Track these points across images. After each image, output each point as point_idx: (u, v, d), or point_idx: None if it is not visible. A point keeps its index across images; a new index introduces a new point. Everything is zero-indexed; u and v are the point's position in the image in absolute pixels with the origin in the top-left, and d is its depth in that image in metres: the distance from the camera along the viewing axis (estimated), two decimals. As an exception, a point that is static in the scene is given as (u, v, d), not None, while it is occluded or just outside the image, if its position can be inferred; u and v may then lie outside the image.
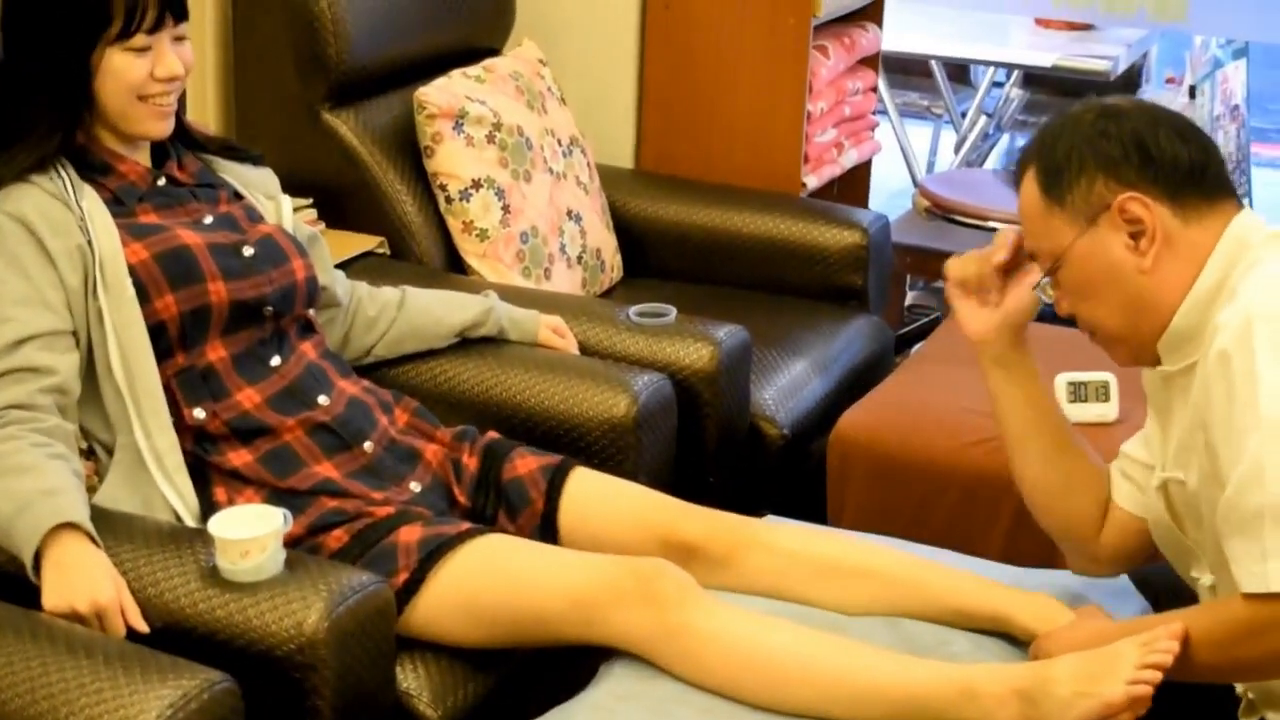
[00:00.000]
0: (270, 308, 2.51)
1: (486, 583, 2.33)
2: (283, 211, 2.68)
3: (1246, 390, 1.89)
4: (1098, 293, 2.10)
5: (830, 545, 2.51)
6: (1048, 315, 4.69)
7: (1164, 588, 2.36)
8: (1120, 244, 2.05)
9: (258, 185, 2.69)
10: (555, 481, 2.57)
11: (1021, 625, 2.33)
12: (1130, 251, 2.05)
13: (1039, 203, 2.11)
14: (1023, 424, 2.36)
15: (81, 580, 2.12)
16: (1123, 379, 3.04)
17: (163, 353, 2.40)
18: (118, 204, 2.45)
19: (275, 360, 2.52)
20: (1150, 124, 2.06)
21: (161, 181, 2.53)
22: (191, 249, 2.44)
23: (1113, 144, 2.05)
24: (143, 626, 2.12)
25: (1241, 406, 1.90)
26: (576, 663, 2.38)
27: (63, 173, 2.42)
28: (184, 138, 2.60)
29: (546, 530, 2.55)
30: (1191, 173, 2.05)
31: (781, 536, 2.50)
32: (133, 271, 2.38)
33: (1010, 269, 2.30)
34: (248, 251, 2.51)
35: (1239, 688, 2.14)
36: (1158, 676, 2.01)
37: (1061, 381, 3.05)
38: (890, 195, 5.51)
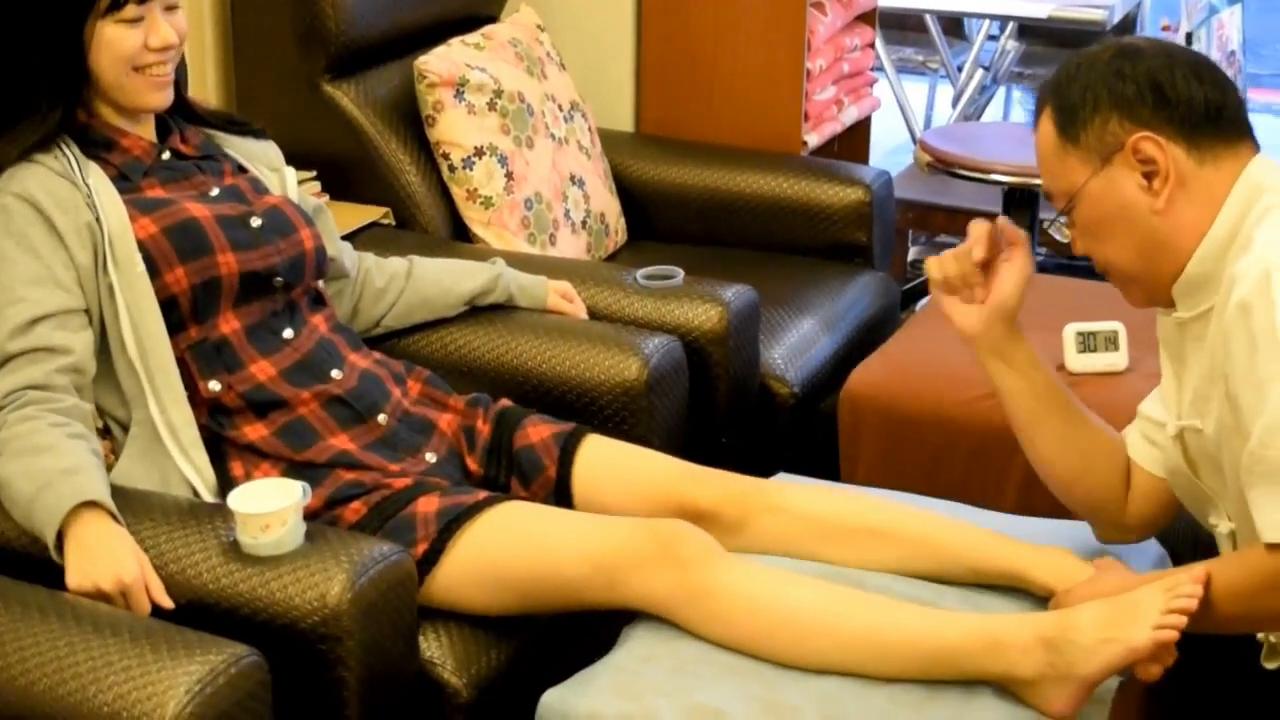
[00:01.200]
0: (280, 278, 2.50)
1: (506, 550, 2.33)
2: (287, 183, 2.67)
3: (1268, 342, 1.88)
4: (1111, 232, 2.10)
5: (844, 505, 2.50)
6: (1050, 266, 4.69)
7: (1183, 538, 2.36)
8: (1133, 184, 2.05)
9: (261, 158, 2.68)
10: (568, 449, 2.57)
11: (1039, 581, 2.32)
12: (1143, 192, 2.05)
13: (1054, 141, 2.10)
14: (1030, 410, 2.33)
15: (105, 558, 2.12)
16: (1131, 328, 3.04)
17: (175, 326, 2.40)
18: (123, 179, 2.45)
19: (288, 333, 2.52)
20: (1167, 64, 2.05)
21: (166, 155, 2.52)
22: (200, 221, 2.44)
23: (1128, 83, 2.04)
24: (167, 603, 2.13)
25: (1265, 358, 1.89)
26: (598, 627, 2.39)
27: (67, 151, 2.41)
28: (185, 111, 2.59)
29: (560, 498, 2.55)
30: (1207, 113, 2.04)
31: (795, 498, 2.50)
32: (142, 246, 2.37)
33: (990, 261, 2.27)
34: (255, 222, 2.50)
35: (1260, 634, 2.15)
36: (1183, 621, 2.01)
37: (1070, 332, 3.05)
38: (887, 152, 5.50)
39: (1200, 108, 2.04)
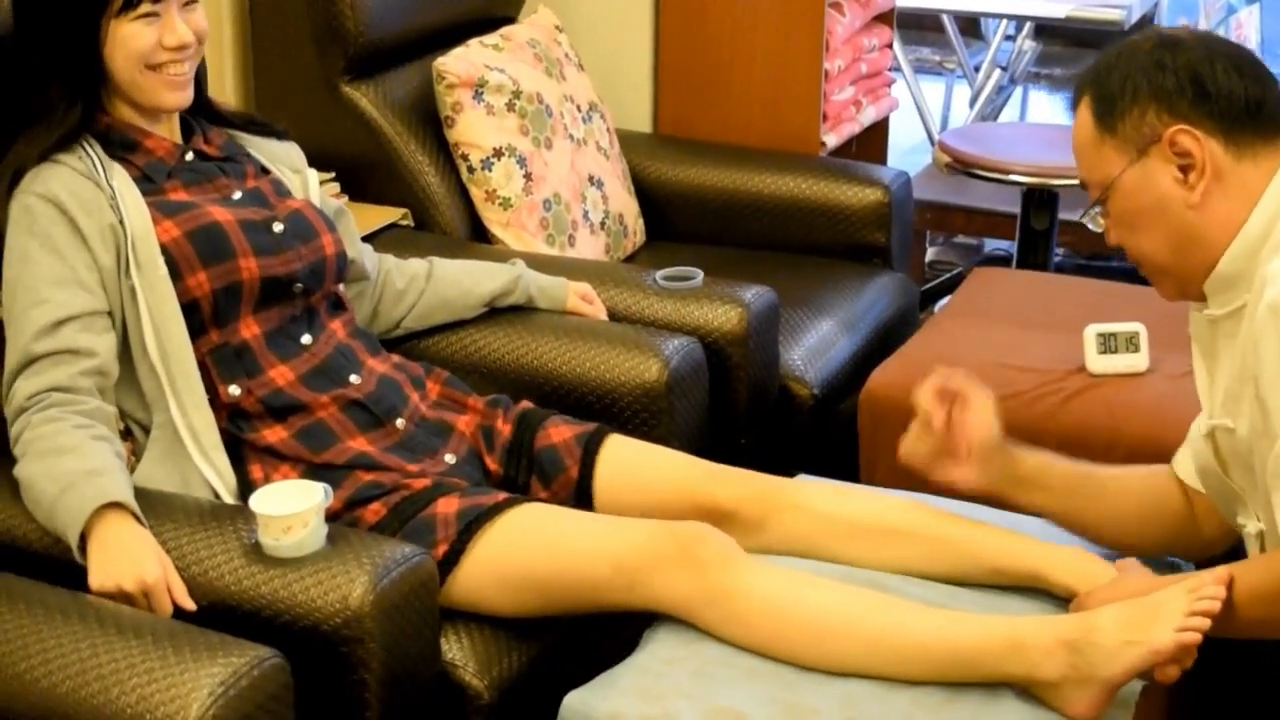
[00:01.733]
0: (300, 284, 2.50)
1: (527, 552, 2.33)
2: (309, 185, 2.67)
3: None
4: (1146, 224, 2.09)
5: (865, 504, 2.50)
6: (1069, 268, 4.68)
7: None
8: (1169, 176, 2.04)
9: (283, 159, 2.68)
10: (590, 449, 2.57)
11: (1059, 581, 2.32)
12: (1179, 185, 2.03)
13: (1092, 131, 2.09)
14: (1065, 510, 2.37)
15: (128, 560, 2.12)
16: (1152, 329, 3.04)
17: (196, 330, 2.40)
18: (147, 181, 2.44)
19: (306, 338, 2.52)
20: (1207, 56, 2.03)
21: (189, 156, 2.52)
22: (223, 226, 2.43)
23: (1168, 75, 2.03)
24: (189, 604, 2.13)
25: None
26: (618, 629, 2.39)
27: (91, 152, 2.41)
28: (208, 112, 2.59)
29: (581, 498, 2.55)
30: (1247, 108, 2.02)
31: (815, 497, 2.50)
32: (164, 249, 2.37)
33: (950, 419, 2.31)
34: (278, 227, 2.50)
35: None
36: (1206, 623, 2.00)
37: (1091, 333, 3.04)
38: (904, 152, 5.49)
39: (1240, 102, 2.02)
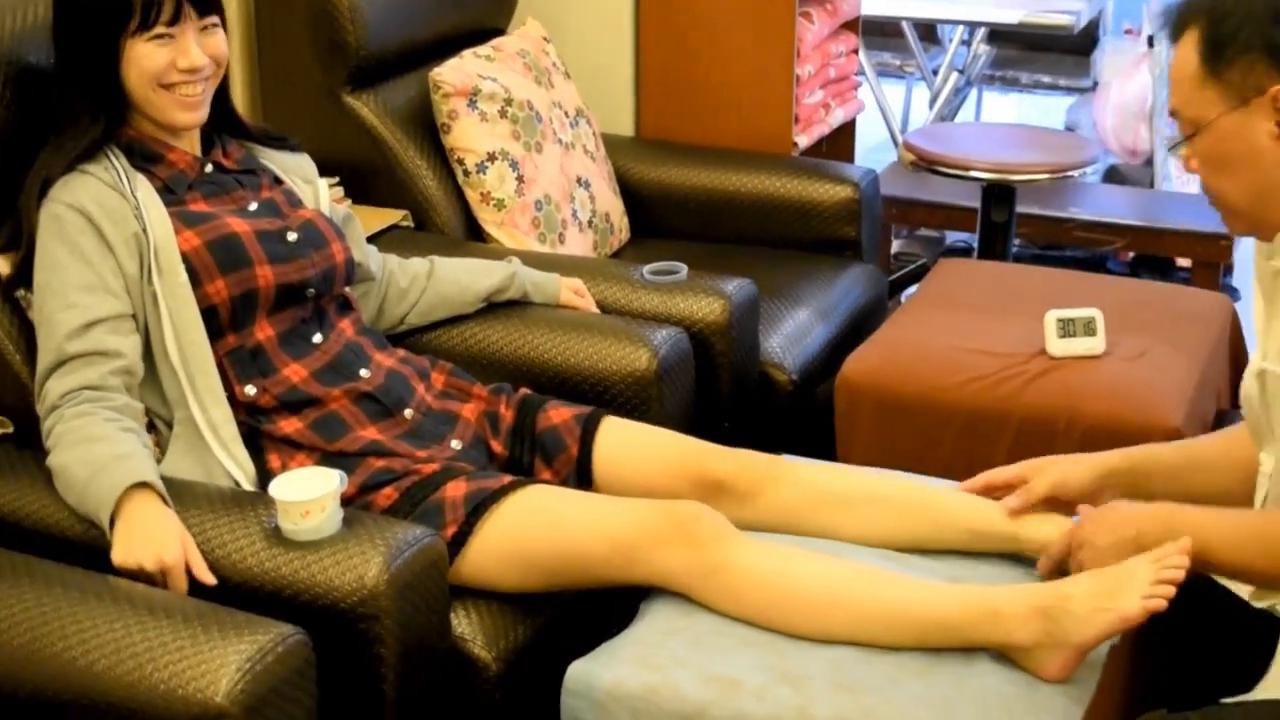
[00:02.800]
0: (312, 289, 2.50)
1: (531, 531, 2.32)
2: (320, 195, 2.66)
3: None
4: (1231, 169, 2.00)
5: (848, 477, 2.53)
6: (1026, 257, 4.68)
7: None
8: (1266, 132, 1.94)
9: (296, 170, 2.67)
10: (588, 429, 2.57)
11: (1031, 539, 2.34)
12: (1274, 140, 1.94)
13: (1195, 69, 1.97)
14: (1177, 488, 2.29)
15: (150, 538, 2.12)
16: (1108, 314, 3.05)
17: (214, 333, 2.39)
18: (169, 192, 2.44)
19: (317, 337, 2.51)
20: None
21: (209, 169, 2.51)
22: (240, 236, 2.43)
23: None
24: (210, 579, 2.13)
25: None
26: (617, 603, 2.39)
27: (116, 163, 2.40)
28: (230, 125, 2.58)
29: (582, 476, 2.55)
30: None
31: (804, 471, 2.51)
32: (185, 258, 2.37)
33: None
34: (291, 237, 2.50)
35: None
36: (1171, 591, 2.01)
37: (1051, 319, 3.06)
38: (868, 150, 5.50)
39: None
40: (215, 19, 2.43)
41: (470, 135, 3.32)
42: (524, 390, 2.67)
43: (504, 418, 2.60)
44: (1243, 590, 2.14)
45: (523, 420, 2.60)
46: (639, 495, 2.42)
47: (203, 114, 2.46)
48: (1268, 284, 2.08)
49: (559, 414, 2.59)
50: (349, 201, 3.28)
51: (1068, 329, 3.05)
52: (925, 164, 4.13)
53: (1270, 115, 1.93)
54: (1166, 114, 2.07)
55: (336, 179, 3.29)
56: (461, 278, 2.89)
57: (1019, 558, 2.37)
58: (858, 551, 2.37)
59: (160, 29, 2.36)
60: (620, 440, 2.57)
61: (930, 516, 2.41)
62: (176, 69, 2.38)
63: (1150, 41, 5.06)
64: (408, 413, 2.51)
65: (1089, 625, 2.05)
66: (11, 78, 2.45)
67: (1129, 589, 2.04)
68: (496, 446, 2.58)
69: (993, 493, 2.38)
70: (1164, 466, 2.34)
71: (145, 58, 2.37)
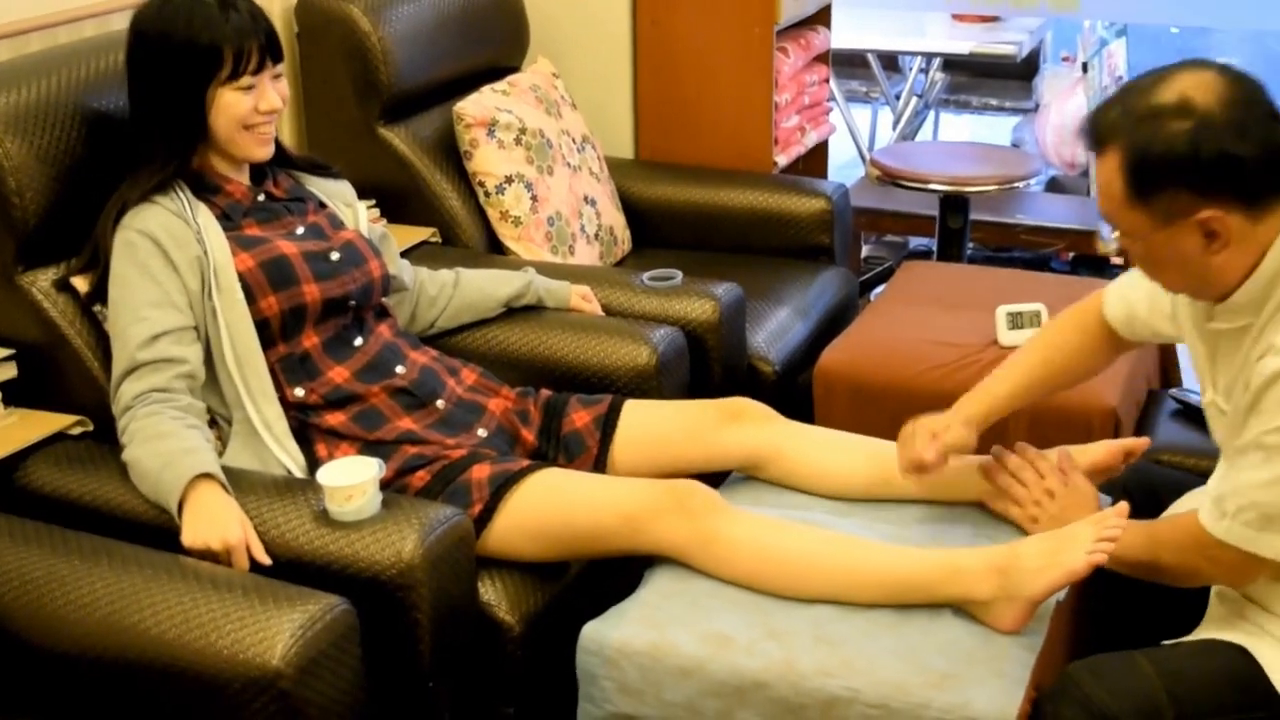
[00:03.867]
0: (353, 301, 2.49)
1: (548, 508, 2.31)
2: (359, 217, 2.65)
3: None
4: (1165, 268, 1.92)
5: (831, 435, 2.59)
6: (979, 259, 4.65)
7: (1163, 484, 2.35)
8: (1194, 242, 1.83)
9: (338, 195, 2.66)
10: (607, 429, 2.56)
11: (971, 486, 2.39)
12: (1202, 248, 1.83)
13: (1121, 193, 1.84)
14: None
15: (215, 522, 2.11)
16: (1052, 307, 3.02)
17: (266, 343, 2.38)
18: (226, 219, 2.42)
19: (358, 341, 2.50)
20: (1238, 135, 1.77)
21: (261, 198, 2.50)
22: (289, 258, 2.42)
23: (1204, 164, 1.78)
24: (266, 559, 2.12)
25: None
26: (624, 570, 2.38)
27: (181, 194, 2.39)
28: (279, 158, 2.56)
29: (598, 466, 2.55)
30: (1269, 173, 1.80)
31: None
32: (241, 277, 2.36)
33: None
34: (334, 256, 2.48)
35: None
36: (1111, 547, 2.00)
37: (1001, 312, 3.05)
38: (839, 167, 5.47)
39: (1263, 172, 1.80)
40: (281, 66, 2.42)
41: (490, 161, 3.30)
42: (547, 392, 2.65)
43: (533, 417, 2.59)
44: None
45: (549, 422, 2.59)
46: (663, 464, 2.49)
47: (273, 147, 2.46)
48: (1209, 338, 2.01)
49: (580, 417, 2.58)
50: (384, 221, 3.27)
51: (1017, 321, 3.04)
52: (890, 178, 4.12)
53: (1196, 232, 1.83)
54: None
55: (373, 202, 3.28)
56: (484, 286, 2.87)
57: (975, 520, 2.37)
58: (837, 522, 2.36)
59: (247, 79, 2.35)
60: (636, 424, 2.56)
61: (893, 466, 2.41)
62: (258, 111, 2.38)
63: (1085, 68, 5.03)
64: (439, 403, 2.49)
65: (1039, 579, 2.04)
66: (87, 118, 2.44)
67: (1074, 547, 2.03)
68: (528, 436, 2.56)
69: (923, 471, 2.34)
70: (1005, 401, 2.35)
71: (235, 105, 2.35)
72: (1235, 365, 1.95)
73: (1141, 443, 2.35)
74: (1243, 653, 1.91)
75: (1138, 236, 1.88)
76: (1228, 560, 1.90)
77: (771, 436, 2.53)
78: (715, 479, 2.56)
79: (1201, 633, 2.02)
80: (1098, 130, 1.87)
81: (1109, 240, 1.95)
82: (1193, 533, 1.93)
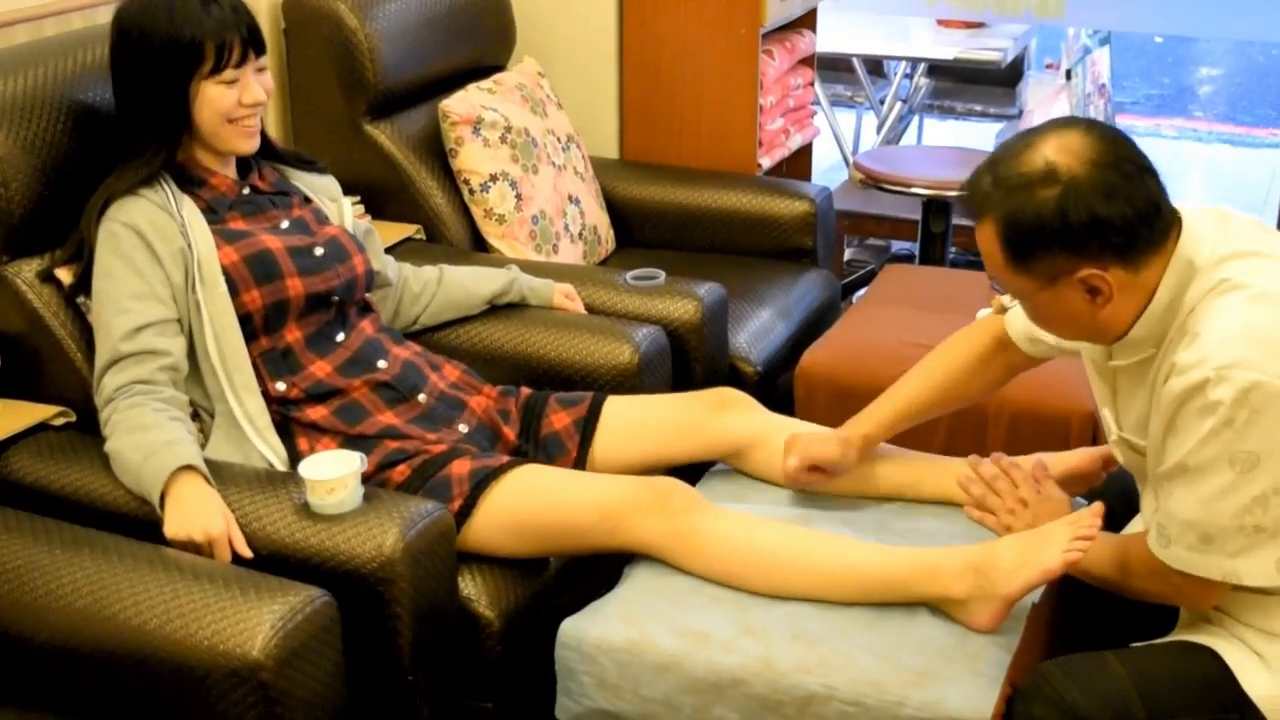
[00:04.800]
0: (337, 297, 2.49)
1: (528, 504, 2.32)
2: (344, 213, 2.65)
3: (1217, 446, 1.81)
4: (1056, 323, 1.97)
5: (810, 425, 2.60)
6: (961, 263, 4.66)
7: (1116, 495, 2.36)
8: (1078, 299, 1.87)
9: (323, 190, 2.66)
10: (586, 432, 2.57)
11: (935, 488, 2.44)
12: (1087, 303, 1.87)
13: (1001, 258, 1.87)
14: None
15: (197, 514, 2.12)
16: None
17: (250, 336, 2.39)
18: (211, 212, 2.43)
19: (340, 336, 2.50)
20: (1105, 197, 1.80)
21: (246, 191, 2.50)
22: (273, 252, 2.42)
23: (1075, 229, 1.80)
24: (247, 553, 2.13)
25: (1206, 455, 1.82)
26: (602, 567, 2.39)
27: (166, 187, 2.39)
28: (266, 150, 2.57)
29: (578, 465, 2.56)
30: (1142, 228, 1.83)
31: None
32: (225, 270, 2.36)
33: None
34: (318, 251, 2.49)
35: None
36: (1086, 545, 2.01)
37: (981, 316, 3.04)
38: (824, 170, 5.49)
39: (1136, 228, 1.82)
40: (265, 59, 2.43)
41: (475, 159, 3.31)
42: (525, 390, 2.66)
43: (514, 415, 2.60)
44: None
45: (528, 423, 2.59)
46: (649, 458, 2.52)
47: (258, 140, 2.46)
48: (1108, 376, 2.05)
49: (560, 419, 2.58)
50: (369, 217, 3.27)
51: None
52: (873, 182, 4.13)
53: (1079, 289, 1.86)
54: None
55: (358, 198, 3.28)
56: (467, 283, 2.88)
57: (952, 518, 2.39)
58: (816, 518, 2.37)
59: (230, 73, 2.35)
60: (615, 427, 2.57)
61: (873, 461, 2.47)
62: (241, 105, 2.38)
63: (1068, 75, 5.05)
64: (421, 397, 2.50)
65: (1015, 578, 2.06)
66: (73, 110, 2.44)
67: (1049, 546, 2.04)
68: (509, 434, 2.57)
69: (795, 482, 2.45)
70: (890, 422, 2.43)
71: (219, 98, 2.36)
72: (1142, 398, 1.97)
73: None
74: (1213, 655, 1.93)
75: (1024, 297, 1.92)
76: (1189, 588, 1.92)
77: (755, 425, 2.54)
78: (696, 472, 2.58)
79: (1173, 635, 2.03)
80: (973, 201, 1.90)
81: (1002, 295, 2.03)
82: (1150, 561, 1.95)
